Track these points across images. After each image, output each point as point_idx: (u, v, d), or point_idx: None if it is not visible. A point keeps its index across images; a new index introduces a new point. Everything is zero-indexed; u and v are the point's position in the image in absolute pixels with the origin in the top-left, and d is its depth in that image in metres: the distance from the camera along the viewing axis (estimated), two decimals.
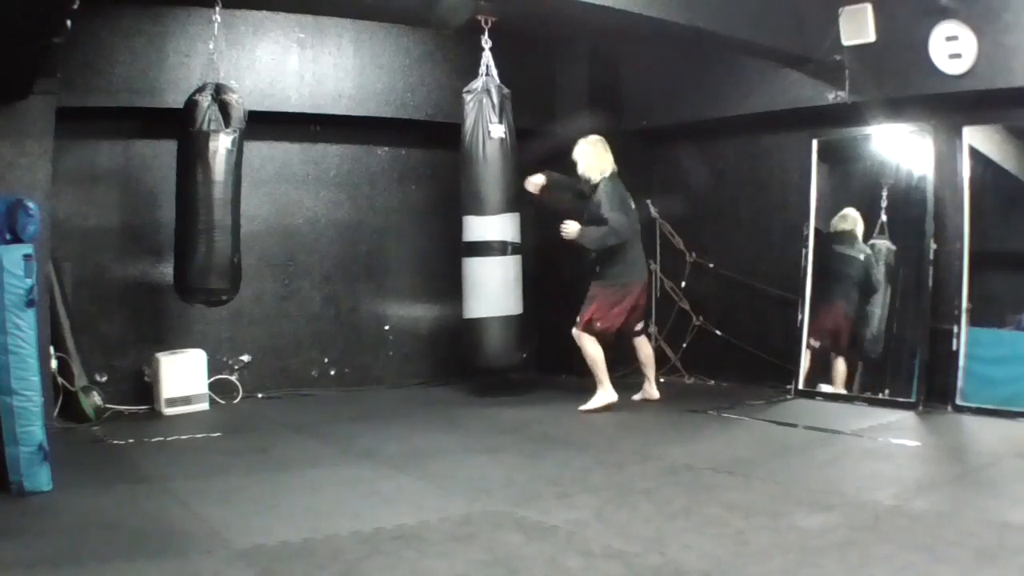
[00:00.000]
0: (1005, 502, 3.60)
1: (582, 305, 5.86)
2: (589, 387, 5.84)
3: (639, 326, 6.09)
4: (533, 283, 6.96)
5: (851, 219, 6.16)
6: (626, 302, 5.84)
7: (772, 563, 2.96)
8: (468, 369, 6.61)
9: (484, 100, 5.98)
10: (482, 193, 6.04)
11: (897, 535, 3.20)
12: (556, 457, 4.61)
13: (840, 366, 6.16)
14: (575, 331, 5.83)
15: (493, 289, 6.10)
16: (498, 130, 6.00)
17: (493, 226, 6.06)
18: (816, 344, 6.22)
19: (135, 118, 5.99)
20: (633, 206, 5.98)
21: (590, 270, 5.95)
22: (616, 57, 7.29)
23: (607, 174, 5.88)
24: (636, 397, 6.09)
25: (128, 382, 6.03)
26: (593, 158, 5.93)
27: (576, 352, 5.89)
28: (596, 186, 5.87)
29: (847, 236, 6.16)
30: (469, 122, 6.03)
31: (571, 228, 5.80)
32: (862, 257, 6.11)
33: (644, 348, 6.14)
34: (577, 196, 6.07)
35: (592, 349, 5.79)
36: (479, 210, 6.06)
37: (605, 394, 5.79)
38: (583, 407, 5.78)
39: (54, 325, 5.46)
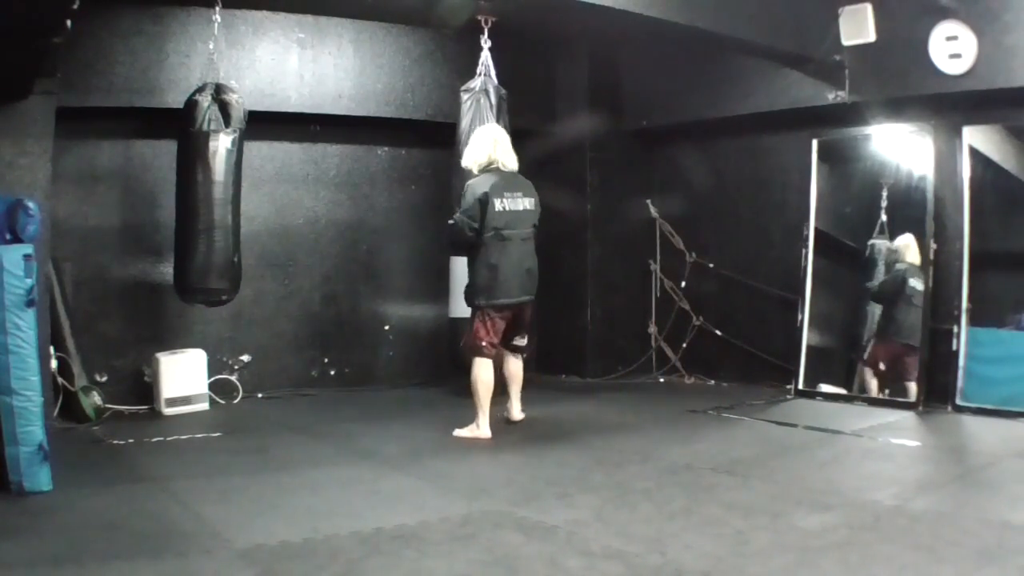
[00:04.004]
0: (1005, 502, 3.60)
1: (468, 325, 5.11)
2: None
3: (520, 340, 5.24)
4: None
5: (914, 250, 5.80)
6: (504, 320, 5.05)
7: (772, 563, 2.96)
8: (451, 367, 6.53)
9: (482, 100, 5.95)
10: None
11: (897, 535, 3.20)
12: (556, 457, 4.60)
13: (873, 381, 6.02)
14: (471, 357, 5.05)
15: None
16: None
17: None
18: (883, 367, 5.96)
19: (135, 118, 5.99)
20: (505, 208, 4.97)
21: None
22: (616, 57, 7.30)
23: (481, 168, 5.07)
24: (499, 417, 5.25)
25: (128, 382, 6.03)
26: (473, 148, 5.16)
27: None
28: None
29: (914, 269, 5.82)
30: (465, 122, 5.97)
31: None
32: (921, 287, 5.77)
33: (514, 364, 5.29)
34: None
35: (484, 376, 5.00)
36: None
37: (479, 429, 5.00)
38: (457, 431, 5.06)
39: (54, 325, 5.45)
